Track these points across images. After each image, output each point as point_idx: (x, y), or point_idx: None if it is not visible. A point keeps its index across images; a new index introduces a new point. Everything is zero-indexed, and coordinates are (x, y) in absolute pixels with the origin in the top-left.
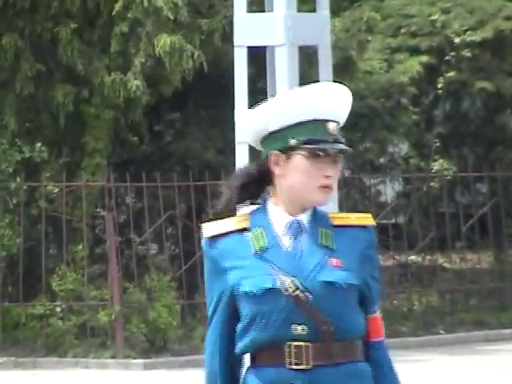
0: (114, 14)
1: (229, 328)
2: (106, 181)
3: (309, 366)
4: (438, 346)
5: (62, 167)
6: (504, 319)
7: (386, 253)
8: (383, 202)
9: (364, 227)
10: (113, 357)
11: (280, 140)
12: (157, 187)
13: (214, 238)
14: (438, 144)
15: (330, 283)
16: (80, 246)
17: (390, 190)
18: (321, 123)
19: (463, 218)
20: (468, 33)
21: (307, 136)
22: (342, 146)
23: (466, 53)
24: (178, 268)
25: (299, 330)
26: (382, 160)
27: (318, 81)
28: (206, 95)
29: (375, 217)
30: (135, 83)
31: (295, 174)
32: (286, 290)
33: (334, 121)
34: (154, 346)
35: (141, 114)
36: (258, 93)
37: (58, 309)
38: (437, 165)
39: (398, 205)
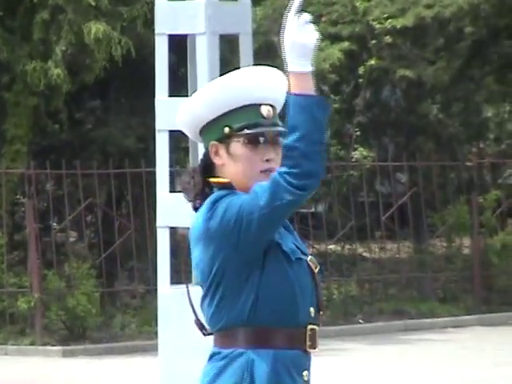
0: (35, 0)
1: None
2: (26, 168)
3: (316, 351)
4: (357, 335)
5: None
6: (423, 309)
7: (306, 242)
8: None
9: None
10: (32, 344)
11: (216, 130)
12: (77, 175)
13: None
14: (358, 133)
15: (319, 266)
16: None
17: None
18: (254, 108)
19: (383, 207)
20: (389, 20)
21: (242, 122)
22: (279, 128)
23: (387, 40)
24: (98, 256)
25: (312, 312)
26: None
27: (239, 69)
28: (127, 83)
29: None
30: (56, 71)
31: (236, 162)
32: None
33: (268, 104)
34: (73, 334)
35: (62, 101)
36: (179, 81)
37: None
38: (357, 154)
39: (318, 193)
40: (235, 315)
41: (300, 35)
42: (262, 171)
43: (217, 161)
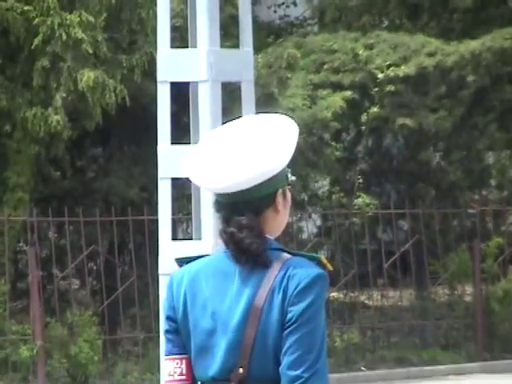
0: (33, 47)
1: None
2: (29, 215)
3: None
4: (359, 383)
5: None
6: (425, 356)
7: None
8: (305, 239)
9: None
10: None
11: (283, 176)
12: (79, 222)
13: None
14: (360, 180)
15: None
16: (2, 281)
17: (311, 227)
18: None
19: (385, 254)
20: (391, 68)
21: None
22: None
23: (389, 88)
24: (100, 303)
25: None
26: (303, 196)
27: (241, 117)
28: (128, 131)
29: None
30: (56, 118)
31: (286, 209)
32: None
33: None
34: (76, 381)
35: (63, 148)
36: (181, 128)
37: None
38: (359, 201)
39: (320, 241)
40: None
41: None
42: None
43: (280, 208)
